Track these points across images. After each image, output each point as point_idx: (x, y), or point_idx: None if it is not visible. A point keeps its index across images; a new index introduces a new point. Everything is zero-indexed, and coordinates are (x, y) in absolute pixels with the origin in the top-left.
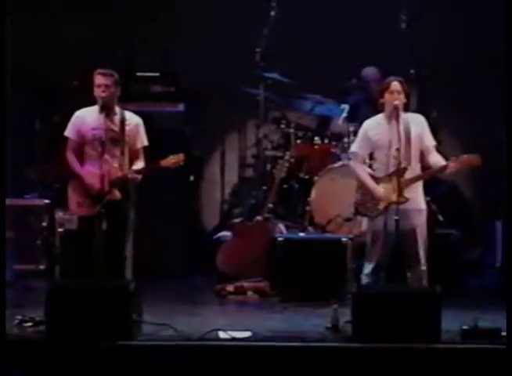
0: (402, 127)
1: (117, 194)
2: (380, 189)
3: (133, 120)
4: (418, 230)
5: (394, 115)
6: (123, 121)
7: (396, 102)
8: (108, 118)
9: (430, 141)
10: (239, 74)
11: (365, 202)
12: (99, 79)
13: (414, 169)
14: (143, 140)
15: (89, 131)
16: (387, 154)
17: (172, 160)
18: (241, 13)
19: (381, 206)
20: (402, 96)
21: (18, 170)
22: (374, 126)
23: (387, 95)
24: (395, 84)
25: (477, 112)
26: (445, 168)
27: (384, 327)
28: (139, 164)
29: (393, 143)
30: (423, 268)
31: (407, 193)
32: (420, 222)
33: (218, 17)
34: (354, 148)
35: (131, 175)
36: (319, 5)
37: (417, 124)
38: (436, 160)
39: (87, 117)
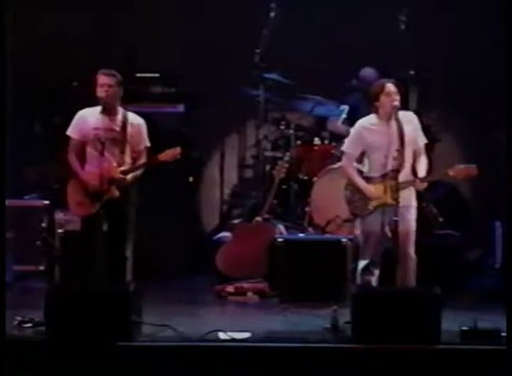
0: (397, 128)
1: (116, 192)
2: (371, 189)
3: (135, 121)
4: (407, 226)
5: (391, 116)
6: (125, 122)
7: (396, 103)
8: (110, 118)
9: (422, 140)
10: (238, 74)
11: (354, 201)
12: (102, 79)
13: (407, 171)
14: (145, 141)
15: (91, 131)
16: (384, 155)
17: (170, 153)
18: (241, 14)
19: (371, 206)
20: (398, 97)
21: (18, 171)
22: (369, 127)
23: (382, 98)
24: (390, 86)
25: (477, 113)
26: (440, 176)
27: (383, 328)
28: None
29: (389, 145)
30: (412, 263)
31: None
32: (409, 218)
33: (218, 18)
34: (345, 147)
35: (117, 176)
36: (319, 5)
37: (409, 122)
38: (420, 167)
39: (89, 117)
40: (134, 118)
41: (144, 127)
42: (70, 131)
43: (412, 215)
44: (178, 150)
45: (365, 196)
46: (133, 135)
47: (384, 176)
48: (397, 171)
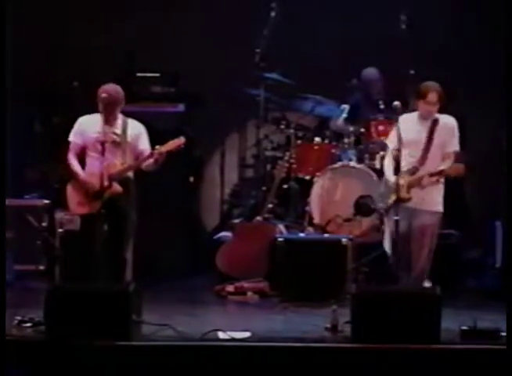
0: (428, 130)
1: (118, 188)
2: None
3: (135, 127)
4: (426, 231)
5: (429, 123)
6: (125, 129)
7: (431, 114)
8: (110, 123)
9: (451, 146)
10: (239, 74)
11: (384, 194)
12: (103, 94)
13: (430, 171)
14: (147, 146)
15: (92, 137)
16: (409, 153)
17: (173, 144)
18: (241, 14)
19: (391, 200)
20: (436, 108)
21: (18, 170)
22: (406, 121)
23: (421, 104)
24: (432, 97)
25: (478, 113)
26: (432, 175)
27: (383, 328)
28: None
29: (417, 144)
30: (424, 267)
31: (418, 193)
32: (430, 223)
33: (218, 17)
34: (387, 141)
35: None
36: (319, 5)
37: (445, 129)
38: (439, 167)
39: (90, 124)
40: (134, 124)
41: (145, 134)
42: (72, 137)
43: (434, 221)
44: (182, 139)
45: (389, 190)
46: (133, 140)
47: (405, 172)
48: (414, 169)
